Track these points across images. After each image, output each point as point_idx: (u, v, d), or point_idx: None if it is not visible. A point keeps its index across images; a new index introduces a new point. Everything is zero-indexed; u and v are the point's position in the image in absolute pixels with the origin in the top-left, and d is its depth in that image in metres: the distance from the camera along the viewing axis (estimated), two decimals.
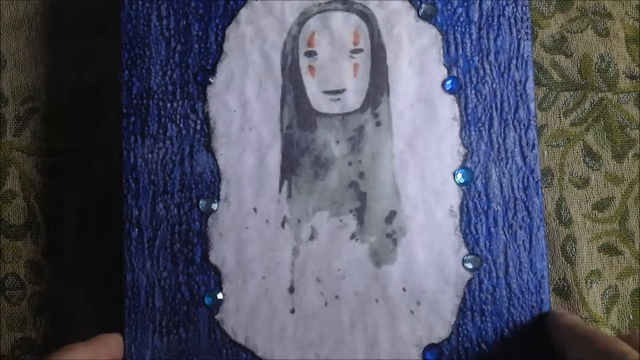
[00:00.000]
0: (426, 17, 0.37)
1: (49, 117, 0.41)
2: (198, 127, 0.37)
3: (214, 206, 0.37)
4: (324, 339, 0.36)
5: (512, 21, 0.37)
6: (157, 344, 0.36)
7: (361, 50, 0.37)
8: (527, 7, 0.38)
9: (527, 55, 0.37)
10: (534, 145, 0.37)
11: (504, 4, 0.38)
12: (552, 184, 0.41)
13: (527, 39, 0.37)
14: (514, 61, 0.37)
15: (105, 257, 0.39)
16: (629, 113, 0.42)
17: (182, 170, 0.37)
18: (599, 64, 0.42)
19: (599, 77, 0.42)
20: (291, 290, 0.36)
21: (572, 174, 0.41)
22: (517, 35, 0.37)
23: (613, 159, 0.41)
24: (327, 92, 0.37)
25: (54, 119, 0.41)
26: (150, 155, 0.37)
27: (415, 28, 0.37)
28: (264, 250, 0.36)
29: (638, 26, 0.42)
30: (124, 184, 0.37)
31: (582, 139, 0.41)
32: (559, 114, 0.42)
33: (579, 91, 0.42)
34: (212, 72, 0.37)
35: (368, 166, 0.37)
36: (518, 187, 0.36)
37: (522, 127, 0.37)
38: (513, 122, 0.37)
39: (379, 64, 0.37)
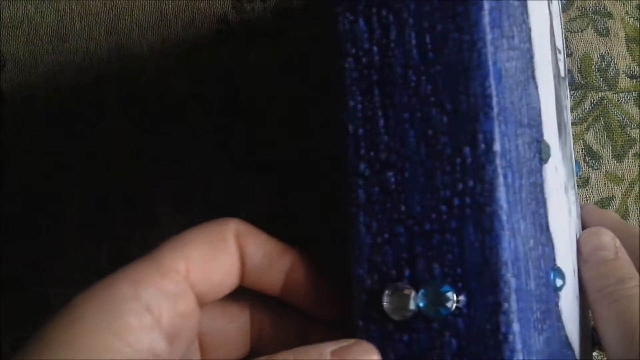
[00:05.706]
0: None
1: (49, 117, 0.41)
2: (527, 46, 0.25)
3: (548, 156, 0.25)
4: None
5: None
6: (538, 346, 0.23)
7: None
8: None
9: None
10: None
11: None
12: None
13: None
14: None
15: (105, 256, 0.39)
16: (629, 112, 0.42)
17: (525, 99, 0.24)
18: (599, 63, 0.42)
19: (599, 76, 0.42)
20: None
21: None
22: None
23: (613, 159, 0.41)
24: None
25: (54, 119, 0.41)
26: (507, 64, 0.23)
27: None
28: None
29: (638, 26, 0.42)
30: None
31: (582, 139, 0.41)
32: None
33: (579, 91, 0.42)
34: None
35: None
36: None
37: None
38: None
39: None
